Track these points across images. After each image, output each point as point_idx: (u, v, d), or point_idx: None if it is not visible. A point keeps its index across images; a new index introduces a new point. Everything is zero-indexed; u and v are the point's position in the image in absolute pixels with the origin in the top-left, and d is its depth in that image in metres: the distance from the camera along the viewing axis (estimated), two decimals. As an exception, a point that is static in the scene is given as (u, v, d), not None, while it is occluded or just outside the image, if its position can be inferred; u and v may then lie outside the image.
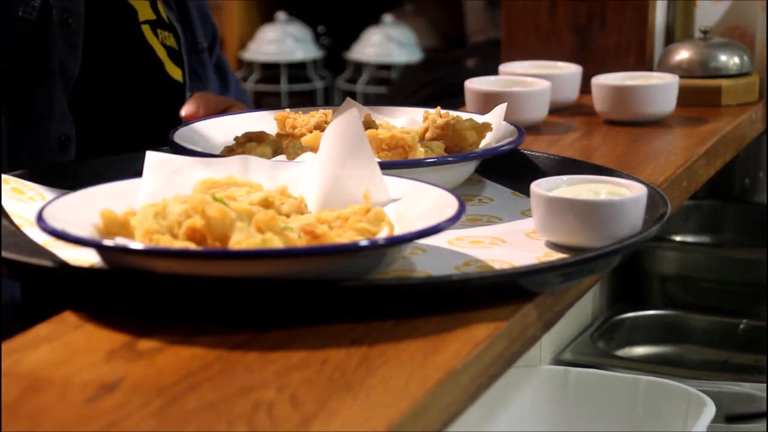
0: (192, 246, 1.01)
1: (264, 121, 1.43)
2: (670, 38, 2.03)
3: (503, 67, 1.85)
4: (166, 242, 1.02)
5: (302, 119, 1.40)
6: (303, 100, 3.98)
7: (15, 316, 1.46)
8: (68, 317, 1.02)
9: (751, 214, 2.25)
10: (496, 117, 1.40)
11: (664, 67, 1.93)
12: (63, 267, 1.05)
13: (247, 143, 1.35)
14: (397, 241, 1.03)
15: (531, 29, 2.00)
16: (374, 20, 3.98)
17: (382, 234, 1.04)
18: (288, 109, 1.43)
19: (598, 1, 1.97)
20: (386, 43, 3.92)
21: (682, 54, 1.93)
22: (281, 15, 3.98)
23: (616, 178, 1.20)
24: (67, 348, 0.97)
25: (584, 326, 1.98)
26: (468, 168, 1.36)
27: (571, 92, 1.83)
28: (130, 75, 1.54)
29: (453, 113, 1.41)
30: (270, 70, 4.00)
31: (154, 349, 0.96)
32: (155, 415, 0.85)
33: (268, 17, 4.03)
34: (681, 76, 1.82)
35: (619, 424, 1.63)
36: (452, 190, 1.12)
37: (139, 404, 0.86)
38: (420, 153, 1.31)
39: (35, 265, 1.05)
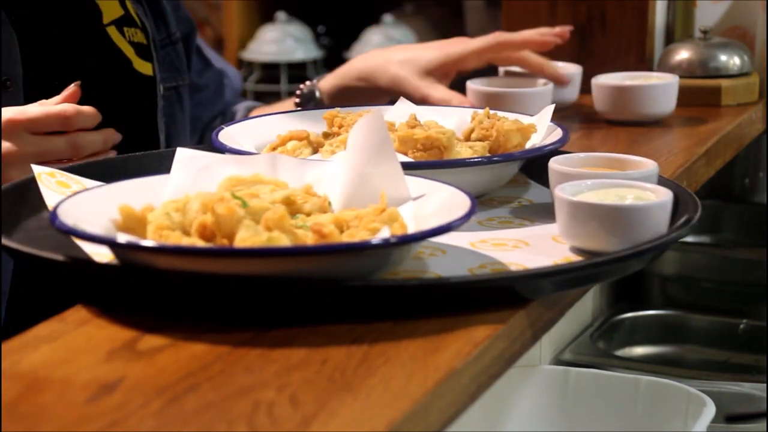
0: (200, 243, 1.02)
1: (314, 120, 1.44)
2: (670, 38, 2.03)
3: (503, 67, 1.85)
4: (176, 239, 1.02)
5: (350, 118, 1.41)
6: (303, 100, 3.98)
7: (15, 316, 1.47)
8: (69, 317, 1.02)
9: (751, 214, 2.25)
10: (543, 118, 1.40)
11: (664, 67, 1.93)
12: (74, 261, 1.06)
13: (289, 141, 1.36)
14: (392, 243, 1.02)
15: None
16: (374, 20, 3.98)
17: (384, 234, 1.04)
18: (337, 108, 1.44)
19: (598, 1, 1.97)
20: (386, 43, 3.91)
21: (682, 54, 1.93)
22: (281, 15, 3.97)
23: (641, 182, 1.19)
24: (67, 348, 0.97)
25: (584, 326, 1.98)
26: (509, 169, 1.35)
27: (571, 92, 1.83)
28: (96, 80, 1.51)
29: (500, 114, 1.40)
30: (270, 70, 4.00)
31: (154, 349, 0.96)
32: (155, 415, 0.85)
33: (268, 17, 4.03)
34: (681, 76, 1.83)
35: (619, 424, 1.63)
36: (468, 192, 1.12)
37: (139, 404, 0.86)
38: (456, 153, 1.31)
39: (45, 258, 1.06)
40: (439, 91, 1.71)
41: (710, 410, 1.53)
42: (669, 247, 1.16)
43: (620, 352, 2.00)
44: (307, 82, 1.80)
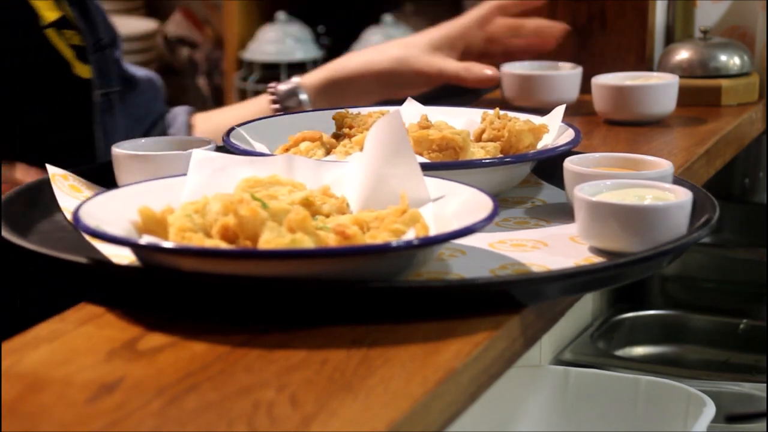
0: (223, 245, 1.01)
1: (324, 120, 1.44)
2: (670, 38, 2.02)
3: (503, 68, 1.85)
4: (198, 240, 1.02)
5: (360, 119, 1.41)
6: (303, 100, 3.98)
7: (15, 316, 1.46)
8: (69, 317, 1.02)
9: (751, 214, 2.25)
10: (554, 118, 1.40)
11: (664, 67, 1.93)
12: (96, 264, 1.06)
13: (301, 142, 1.35)
14: (418, 245, 1.02)
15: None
16: (374, 20, 3.98)
17: (410, 235, 1.03)
18: (347, 109, 1.44)
19: (598, 1, 1.97)
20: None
21: (682, 54, 1.92)
22: (281, 15, 3.97)
23: (661, 182, 1.19)
24: (67, 348, 0.97)
25: (584, 326, 1.98)
26: (521, 170, 1.34)
27: (571, 92, 1.83)
28: (33, 83, 1.48)
29: (511, 114, 1.40)
30: (270, 70, 4.00)
31: (154, 349, 0.96)
32: (155, 415, 0.85)
33: (268, 17, 4.03)
34: (681, 76, 1.82)
35: (619, 424, 1.63)
36: (489, 192, 1.11)
37: (139, 404, 0.86)
38: (471, 154, 1.31)
39: (66, 261, 1.06)
40: (452, 63, 1.73)
41: (710, 410, 1.53)
42: (689, 248, 1.15)
43: (620, 352, 2.00)
44: (282, 81, 1.78)
